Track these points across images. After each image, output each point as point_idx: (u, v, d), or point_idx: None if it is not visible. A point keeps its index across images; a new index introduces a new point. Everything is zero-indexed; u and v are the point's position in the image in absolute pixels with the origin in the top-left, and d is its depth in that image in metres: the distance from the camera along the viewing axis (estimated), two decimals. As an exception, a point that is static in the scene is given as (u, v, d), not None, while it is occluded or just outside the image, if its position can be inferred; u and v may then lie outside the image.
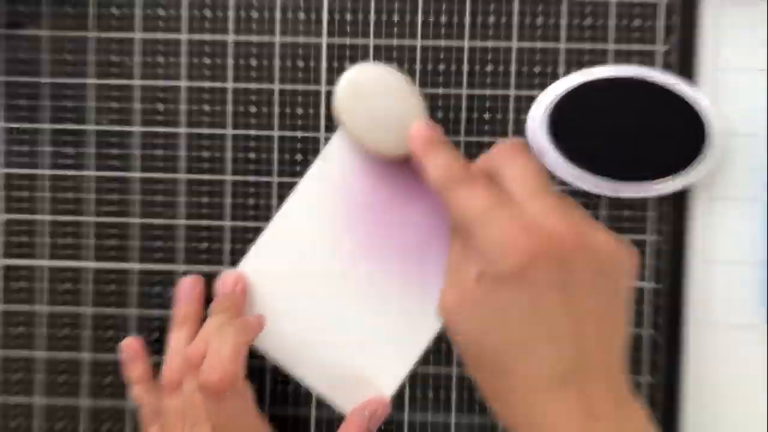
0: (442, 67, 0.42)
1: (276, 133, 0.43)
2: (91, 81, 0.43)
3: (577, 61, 0.42)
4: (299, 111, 0.43)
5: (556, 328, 0.30)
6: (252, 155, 0.43)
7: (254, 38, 0.43)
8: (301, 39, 0.43)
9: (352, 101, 0.38)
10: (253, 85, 0.43)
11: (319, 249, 0.42)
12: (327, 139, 0.43)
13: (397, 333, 0.42)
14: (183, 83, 0.43)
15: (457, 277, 0.33)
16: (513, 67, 0.42)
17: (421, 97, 0.39)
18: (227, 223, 0.43)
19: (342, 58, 0.42)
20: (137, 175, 0.43)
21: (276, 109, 0.43)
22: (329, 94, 0.43)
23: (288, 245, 0.43)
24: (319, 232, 0.42)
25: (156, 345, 0.44)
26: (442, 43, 0.42)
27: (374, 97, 0.38)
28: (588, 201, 0.42)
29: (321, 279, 0.42)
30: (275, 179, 0.43)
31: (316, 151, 0.43)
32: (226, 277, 0.42)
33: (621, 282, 0.32)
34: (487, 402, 0.33)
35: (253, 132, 0.43)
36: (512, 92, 0.42)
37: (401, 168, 0.42)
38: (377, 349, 0.42)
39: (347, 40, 0.42)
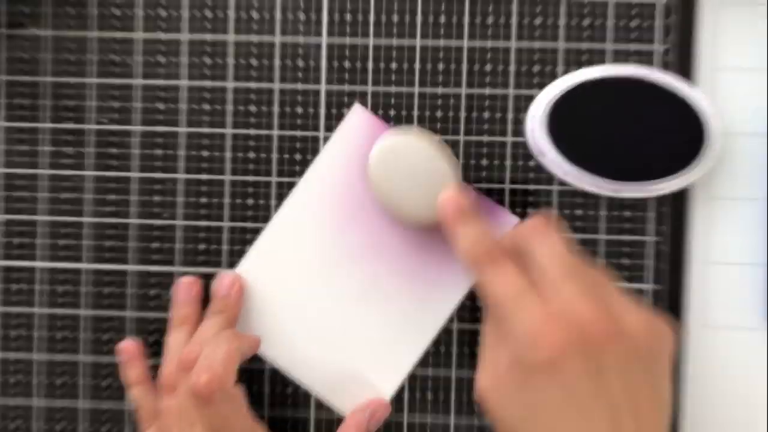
0: (442, 67, 0.42)
1: (276, 133, 0.43)
2: (92, 81, 0.43)
3: (576, 61, 0.42)
4: (299, 111, 0.43)
5: (592, 417, 0.30)
6: (251, 155, 0.43)
7: (254, 38, 0.43)
8: (301, 39, 0.43)
9: (383, 170, 0.39)
10: (253, 85, 0.43)
11: (317, 251, 0.42)
12: (326, 139, 0.43)
13: (396, 335, 0.42)
14: (183, 83, 0.43)
15: (492, 359, 0.33)
16: (512, 67, 0.42)
17: (454, 162, 0.39)
18: (226, 224, 0.43)
19: (342, 58, 0.43)
20: (137, 175, 0.43)
21: (276, 109, 0.43)
22: (329, 94, 0.43)
23: (286, 247, 0.43)
24: (318, 234, 0.42)
25: (154, 347, 0.43)
26: (442, 43, 0.42)
27: (405, 166, 0.39)
28: (588, 201, 0.42)
29: (320, 281, 0.42)
30: (274, 179, 0.43)
31: (315, 151, 0.43)
32: (223, 279, 0.42)
33: (657, 363, 0.31)
34: None
35: (252, 132, 0.43)
36: (511, 92, 0.42)
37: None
38: (376, 351, 0.42)
39: (347, 40, 0.43)
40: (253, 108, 0.43)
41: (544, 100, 0.41)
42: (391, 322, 0.42)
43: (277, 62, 0.43)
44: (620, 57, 0.42)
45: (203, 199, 0.43)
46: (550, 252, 0.32)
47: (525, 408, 0.30)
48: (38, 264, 0.44)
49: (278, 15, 0.43)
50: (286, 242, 0.43)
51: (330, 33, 0.43)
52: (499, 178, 0.42)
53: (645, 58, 0.42)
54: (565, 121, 0.41)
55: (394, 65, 0.42)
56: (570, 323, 0.30)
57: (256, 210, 0.43)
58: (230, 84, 0.43)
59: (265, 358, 0.43)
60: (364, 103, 0.42)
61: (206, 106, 0.43)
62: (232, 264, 0.43)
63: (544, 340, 0.30)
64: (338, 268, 0.42)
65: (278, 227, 0.43)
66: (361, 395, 0.42)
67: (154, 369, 0.43)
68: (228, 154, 0.43)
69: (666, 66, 0.42)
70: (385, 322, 0.42)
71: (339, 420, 0.43)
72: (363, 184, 0.42)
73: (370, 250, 0.42)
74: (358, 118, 0.42)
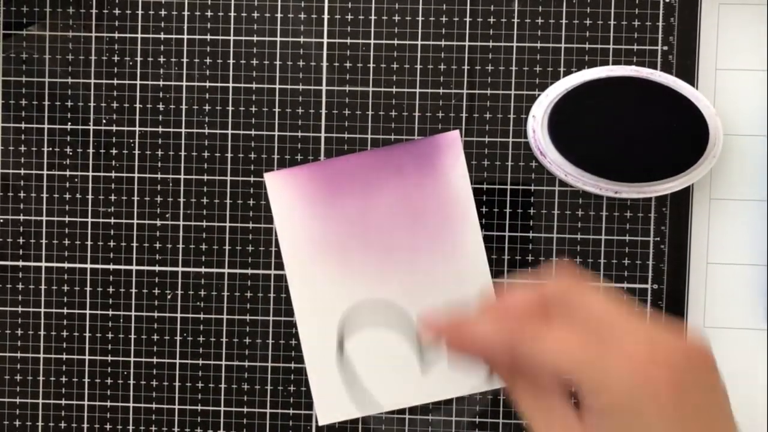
0: (442, 67, 0.42)
1: (276, 133, 0.43)
2: (92, 81, 0.43)
3: (577, 61, 0.42)
4: (299, 111, 0.43)
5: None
6: (252, 155, 0.43)
7: (254, 38, 0.43)
8: (301, 39, 0.43)
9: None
10: (253, 85, 0.43)
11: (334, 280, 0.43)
12: (327, 139, 0.43)
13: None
14: (183, 83, 0.43)
15: None
16: (513, 67, 0.42)
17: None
18: (226, 224, 0.43)
19: (342, 58, 0.43)
20: (137, 175, 0.43)
21: (276, 109, 0.43)
22: (329, 93, 0.43)
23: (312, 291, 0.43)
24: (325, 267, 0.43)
25: (154, 347, 0.44)
26: (442, 43, 0.42)
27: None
28: (588, 202, 0.42)
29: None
30: (275, 179, 0.43)
31: (316, 151, 0.43)
32: None
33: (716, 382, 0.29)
34: None
35: (253, 132, 0.43)
36: (512, 92, 0.42)
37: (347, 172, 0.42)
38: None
39: (347, 40, 0.42)
40: (253, 108, 0.43)
41: (545, 100, 0.41)
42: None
43: (277, 62, 0.43)
44: (621, 57, 0.42)
45: (203, 199, 0.43)
46: (599, 301, 0.28)
47: None
48: (39, 264, 0.44)
49: (278, 15, 0.43)
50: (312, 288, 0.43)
51: (330, 33, 0.42)
52: (500, 179, 0.42)
53: (646, 59, 0.42)
54: (566, 122, 0.41)
55: (394, 65, 0.42)
56: (664, 350, 0.27)
57: (257, 210, 0.43)
58: (230, 84, 0.43)
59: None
60: (364, 103, 0.42)
61: (206, 107, 0.43)
62: (232, 264, 0.43)
63: (657, 375, 0.26)
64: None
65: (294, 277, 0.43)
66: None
67: (143, 369, 0.43)
68: (228, 155, 0.43)
69: (667, 66, 0.42)
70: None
71: (339, 420, 0.43)
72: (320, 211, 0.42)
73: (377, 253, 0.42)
74: (272, 181, 0.43)
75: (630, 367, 0.27)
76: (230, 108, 0.43)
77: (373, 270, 0.42)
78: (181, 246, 0.43)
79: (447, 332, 0.30)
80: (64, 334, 0.44)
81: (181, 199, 0.43)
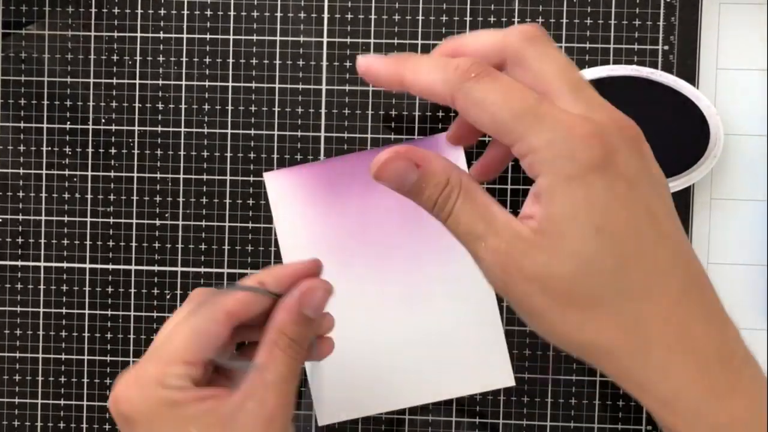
0: (442, 67, 0.42)
1: (276, 133, 0.43)
2: (91, 80, 0.43)
3: (577, 61, 0.42)
4: (299, 111, 0.43)
5: (652, 208, 0.27)
6: (252, 155, 0.43)
7: (254, 38, 0.43)
8: (301, 39, 0.43)
9: None
10: (253, 85, 0.43)
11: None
12: (327, 139, 0.43)
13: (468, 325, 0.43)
14: (183, 83, 0.43)
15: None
16: (513, 67, 0.42)
17: None
18: (226, 224, 0.43)
19: (342, 58, 0.42)
20: (136, 175, 0.43)
21: (276, 109, 0.43)
22: (329, 93, 0.43)
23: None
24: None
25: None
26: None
27: None
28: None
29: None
30: (275, 179, 0.43)
31: (316, 151, 0.43)
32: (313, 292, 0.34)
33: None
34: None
35: (252, 132, 0.43)
36: (512, 92, 0.42)
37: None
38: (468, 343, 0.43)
39: (347, 40, 0.42)
40: (253, 108, 0.43)
41: (545, 100, 0.41)
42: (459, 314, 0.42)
43: (277, 62, 0.43)
44: (622, 57, 0.42)
45: (203, 199, 0.43)
46: (551, 61, 0.27)
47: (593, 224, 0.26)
48: (38, 264, 0.44)
49: (278, 15, 0.42)
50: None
51: (330, 33, 0.42)
52: (500, 179, 0.42)
53: (647, 58, 0.42)
54: (566, 122, 0.41)
55: (394, 65, 0.42)
56: (604, 120, 0.26)
57: (257, 210, 0.43)
58: (230, 84, 0.43)
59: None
60: (364, 103, 0.42)
61: (206, 107, 0.43)
62: (231, 264, 0.43)
63: (591, 139, 0.25)
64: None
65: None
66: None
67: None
68: (228, 155, 0.43)
69: (667, 66, 0.42)
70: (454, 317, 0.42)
71: (340, 421, 0.43)
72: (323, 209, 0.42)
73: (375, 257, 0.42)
74: (272, 181, 0.42)
75: (562, 126, 0.26)
76: (230, 108, 0.43)
77: (372, 270, 0.42)
78: (180, 246, 0.43)
79: (392, 65, 0.29)
80: (63, 334, 0.44)
81: (181, 199, 0.43)
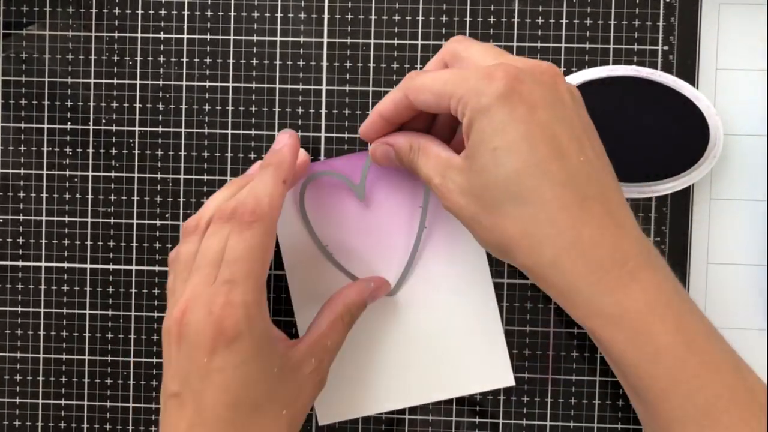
0: (442, 67, 0.42)
1: (276, 133, 0.43)
2: (92, 80, 0.43)
3: (577, 61, 0.42)
4: (299, 111, 0.43)
5: (560, 141, 0.32)
6: (252, 155, 0.43)
7: (254, 38, 0.43)
8: (302, 39, 0.43)
9: None
10: (253, 85, 0.43)
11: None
12: (327, 139, 0.43)
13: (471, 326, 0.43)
14: (183, 83, 0.43)
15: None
16: (513, 67, 0.42)
17: None
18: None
19: (342, 58, 0.43)
20: (137, 175, 0.43)
21: (276, 109, 0.43)
22: (329, 93, 0.43)
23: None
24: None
25: (154, 347, 0.43)
26: (443, 43, 0.42)
27: None
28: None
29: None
30: (275, 179, 0.43)
31: (316, 151, 0.43)
32: (279, 135, 0.39)
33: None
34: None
35: (253, 132, 0.43)
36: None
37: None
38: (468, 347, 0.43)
39: (347, 40, 0.42)
40: (253, 108, 0.43)
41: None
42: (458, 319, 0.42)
43: (277, 62, 0.43)
44: (622, 57, 0.42)
45: (203, 199, 0.43)
46: (475, 47, 0.35)
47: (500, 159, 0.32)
48: (39, 264, 0.44)
49: (278, 15, 0.43)
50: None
51: (330, 33, 0.42)
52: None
53: (647, 59, 0.42)
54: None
55: (394, 65, 0.42)
56: (518, 64, 0.33)
57: (256, 210, 0.43)
58: (230, 84, 0.43)
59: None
60: (364, 103, 0.42)
61: (206, 106, 0.43)
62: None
63: (496, 73, 0.32)
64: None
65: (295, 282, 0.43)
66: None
67: (157, 367, 0.43)
68: (228, 155, 0.43)
69: (667, 66, 0.42)
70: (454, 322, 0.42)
71: (340, 421, 0.43)
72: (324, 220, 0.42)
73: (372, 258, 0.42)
74: None
75: (477, 74, 0.32)
76: (230, 108, 0.43)
77: (373, 270, 0.42)
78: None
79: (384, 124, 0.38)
80: (64, 334, 0.44)
81: (181, 199, 0.43)
